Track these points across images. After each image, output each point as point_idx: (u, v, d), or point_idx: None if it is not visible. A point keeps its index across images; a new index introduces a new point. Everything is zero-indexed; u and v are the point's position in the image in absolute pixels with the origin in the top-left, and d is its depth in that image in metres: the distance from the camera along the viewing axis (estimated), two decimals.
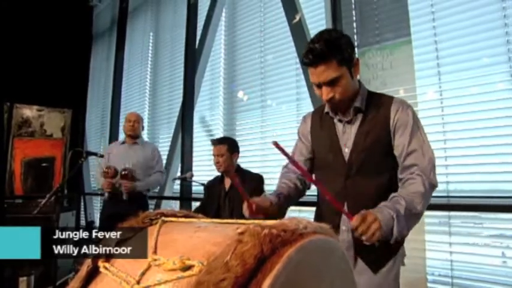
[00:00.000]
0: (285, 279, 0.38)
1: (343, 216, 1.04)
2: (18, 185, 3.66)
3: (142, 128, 2.84)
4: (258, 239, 0.38)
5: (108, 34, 5.75)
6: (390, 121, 1.02)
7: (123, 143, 2.72)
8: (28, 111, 3.74)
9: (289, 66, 3.33)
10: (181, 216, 0.65)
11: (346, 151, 1.05)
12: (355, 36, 2.82)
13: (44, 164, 3.82)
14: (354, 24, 2.88)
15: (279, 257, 0.38)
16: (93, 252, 0.54)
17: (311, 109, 2.35)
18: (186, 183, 3.79)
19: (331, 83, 0.97)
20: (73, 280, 0.56)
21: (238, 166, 2.15)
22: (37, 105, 3.85)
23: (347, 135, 1.06)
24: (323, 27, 3.06)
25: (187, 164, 3.94)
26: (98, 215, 5.28)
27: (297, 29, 3.21)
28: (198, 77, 4.23)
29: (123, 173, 2.45)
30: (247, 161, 3.31)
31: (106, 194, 2.51)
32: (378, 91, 2.50)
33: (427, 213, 2.41)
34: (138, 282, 0.44)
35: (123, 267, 0.51)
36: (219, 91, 4.08)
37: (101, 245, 0.56)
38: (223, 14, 4.14)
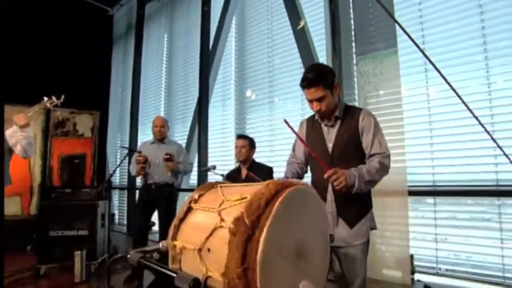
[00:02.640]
0: (287, 201, 0.90)
1: (329, 190, 1.56)
2: (56, 178, 4.28)
3: (168, 128, 3.37)
4: (276, 184, 0.92)
5: (124, 39, 6.30)
6: (359, 125, 1.54)
7: (153, 142, 3.27)
8: (63, 114, 4.33)
9: (294, 67, 3.85)
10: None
11: (330, 146, 1.58)
12: (353, 44, 3.30)
13: (76, 160, 4.42)
14: (352, 33, 3.36)
15: (284, 191, 0.91)
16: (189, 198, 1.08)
17: None
18: (202, 176, 4.35)
19: (319, 100, 1.51)
20: (177, 215, 1.10)
21: (253, 160, 2.69)
22: (70, 108, 4.45)
23: (330, 135, 1.60)
24: (323, 36, 3.55)
25: (203, 156, 4.47)
26: (117, 207, 5.88)
27: (301, 35, 3.71)
28: (212, 77, 4.74)
29: (166, 157, 3.03)
30: (256, 152, 3.88)
31: (138, 177, 3.06)
32: (371, 94, 2.99)
33: (414, 198, 2.90)
34: (219, 205, 0.97)
35: (206, 204, 1.05)
36: (231, 90, 4.61)
37: (190, 196, 1.10)
38: (234, 22, 4.66)
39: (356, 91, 3.26)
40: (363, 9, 3.13)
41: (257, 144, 3.99)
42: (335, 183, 1.36)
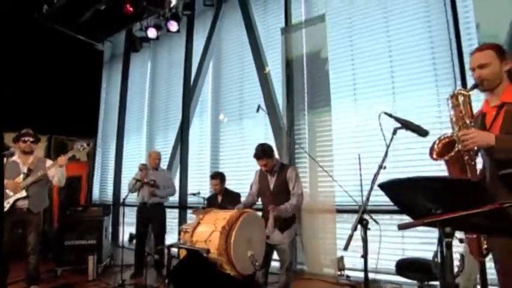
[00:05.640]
0: (244, 219, 2.29)
1: (270, 215, 2.94)
2: (55, 196, 5.29)
3: (160, 160, 4.62)
4: (239, 211, 2.31)
5: (108, 71, 7.48)
6: (287, 176, 2.95)
7: (149, 170, 4.49)
8: (64, 141, 5.39)
9: (259, 98, 5.22)
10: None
11: (271, 187, 2.99)
12: (306, 98, 4.77)
13: (73, 182, 5.45)
14: (305, 89, 4.82)
15: (243, 214, 2.30)
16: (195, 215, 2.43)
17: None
18: (183, 196, 5.63)
19: (265, 165, 2.92)
20: (192, 225, 2.44)
21: (226, 189, 4.03)
22: (70, 135, 5.55)
23: (271, 181, 3.00)
24: (280, 85, 4.98)
25: (184, 175, 5.74)
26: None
27: (264, 78, 5.16)
28: (192, 106, 6.07)
29: (151, 182, 4.25)
30: (228, 163, 5.36)
31: (137, 184, 4.23)
32: (314, 137, 4.40)
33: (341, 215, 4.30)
34: (214, 221, 2.33)
35: (207, 221, 2.40)
36: (207, 116, 5.95)
37: (198, 215, 2.46)
38: (211, 64, 6.05)
39: (306, 133, 4.73)
40: (314, 76, 4.63)
41: (228, 154, 5.38)
42: (274, 215, 2.76)
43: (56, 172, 3.61)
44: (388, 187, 1.42)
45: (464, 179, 1.07)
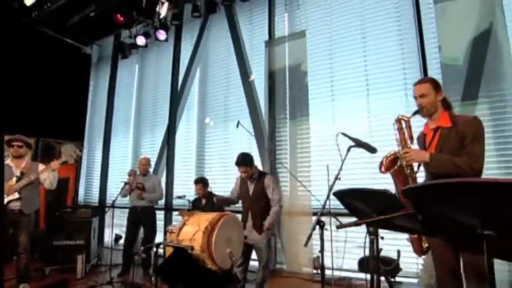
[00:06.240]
0: (225, 220, 2.66)
1: (249, 218, 3.30)
2: (42, 198, 5.48)
3: (150, 166, 4.92)
4: (221, 213, 2.67)
5: (95, 74, 7.70)
6: (265, 184, 3.32)
7: (138, 175, 4.78)
8: (51, 143, 5.59)
9: (243, 105, 5.59)
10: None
11: (251, 192, 3.35)
12: (287, 107, 5.17)
13: (60, 184, 5.65)
14: (287, 99, 5.23)
15: (224, 216, 2.66)
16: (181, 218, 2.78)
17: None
18: (169, 199, 5.93)
19: (244, 172, 3.28)
20: (178, 226, 2.78)
21: (209, 192, 4.37)
22: (57, 138, 5.76)
23: (251, 187, 3.37)
24: (263, 94, 5.37)
25: (170, 178, 6.05)
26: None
27: (248, 86, 5.53)
28: (179, 111, 6.38)
29: (138, 185, 4.54)
30: (213, 166, 5.69)
31: (127, 188, 4.52)
32: (295, 144, 4.82)
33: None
34: (198, 222, 2.68)
35: (192, 222, 2.75)
36: (193, 121, 6.27)
37: (182, 215, 2.80)
38: (198, 71, 6.38)
39: (288, 140, 5.13)
40: (294, 87, 5.03)
41: (214, 157, 5.75)
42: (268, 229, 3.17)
43: (48, 176, 3.87)
44: (340, 195, 1.81)
45: (384, 191, 1.42)
